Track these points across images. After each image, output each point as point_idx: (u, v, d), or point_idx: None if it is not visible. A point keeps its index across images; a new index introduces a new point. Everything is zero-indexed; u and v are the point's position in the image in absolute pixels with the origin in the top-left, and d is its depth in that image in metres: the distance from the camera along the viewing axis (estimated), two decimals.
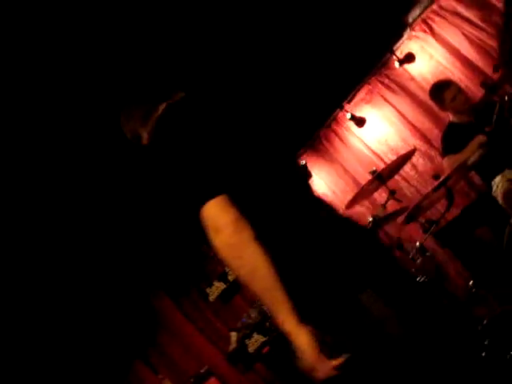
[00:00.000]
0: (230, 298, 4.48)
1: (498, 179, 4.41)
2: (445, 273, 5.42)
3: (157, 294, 5.91)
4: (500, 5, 5.42)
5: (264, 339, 4.08)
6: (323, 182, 6.08)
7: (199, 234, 1.80)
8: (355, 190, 5.25)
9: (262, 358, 4.17)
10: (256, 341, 4.09)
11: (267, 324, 4.12)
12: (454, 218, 4.83)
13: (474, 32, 5.52)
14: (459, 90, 4.84)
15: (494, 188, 4.45)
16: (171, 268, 5.76)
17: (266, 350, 4.13)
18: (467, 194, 5.41)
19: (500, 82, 4.28)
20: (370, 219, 4.24)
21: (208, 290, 4.20)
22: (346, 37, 5.36)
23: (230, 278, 4.07)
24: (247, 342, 4.11)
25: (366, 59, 5.68)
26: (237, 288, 4.25)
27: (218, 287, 4.20)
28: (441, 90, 4.87)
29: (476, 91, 5.20)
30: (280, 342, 4.03)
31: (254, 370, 4.73)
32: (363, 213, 5.69)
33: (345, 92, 5.84)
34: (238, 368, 4.87)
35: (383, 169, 4.36)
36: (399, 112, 5.84)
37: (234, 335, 4.32)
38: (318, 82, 5.48)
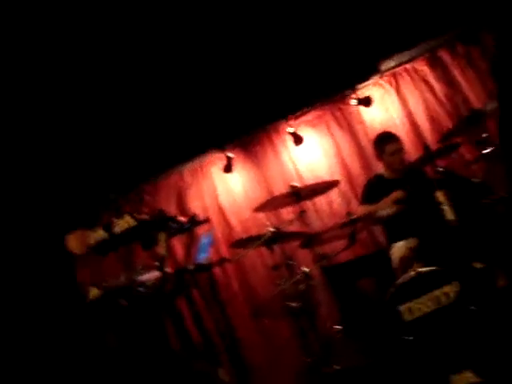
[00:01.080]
0: (106, 253, 4.29)
1: (400, 244, 4.49)
2: (319, 308, 5.47)
3: None
4: (465, 90, 5.62)
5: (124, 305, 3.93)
6: (240, 182, 6.01)
7: None
8: None
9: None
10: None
11: (133, 291, 3.97)
12: (346, 260, 4.91)
13: (434, 103, 5.69)
14: (401, 149, 4.93)
15: (393, 250, 4.53)
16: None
17: None
18: (367, 245, 5.50)
19: (438, 154, 4.39)
20: (271, 229, 4.21)
21: (88, 233, 3.97)
22: (319, 56, 5.40)
23: (116, 230, 3.86)
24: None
25: (328, 85, 5.69)
26: (118, 244, 4.07)
27: (99, 235, 3.98)
28: (386, 140, 4.94)
29: (413, 156, 5.30)
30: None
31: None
32: (265, 223, 5.65)
33: (295, 106, 5.81)
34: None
35: (303, 187, 4.35)
36: (337, 147, 5.89)
37: (94, 291, 4.14)
38: (277, 85, 5.47)
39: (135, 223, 3.77)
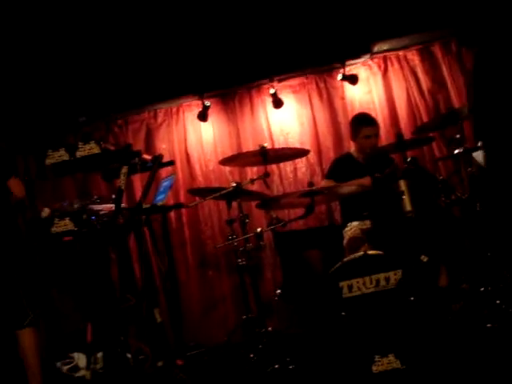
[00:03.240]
0: (63, 174, 4.25)
1: (354, 223, 4.56)
2: (263, 269, 5.57)
3: None
4: (450, 89, 5.66)
5: (73, 228, 3.92)
6: (212, 132, 5.96)
7: None
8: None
9: (62, 242, 4.02)
10: (65, 225, 3.91)
11: (84, 217, 3.96)
12: (295, 229, 5.02)
13: (416, 95, 5.71)
14: (377, 134, 4.97)
15: (347, 229, 4.60)
16: None
17: (67, 238, 3.98)
18: (322, 219, 5.58)
19: (410, 144, 4.44)
20: (233, 184, 4.25)
21: (49, 152, 3.91)
22: (315, 24, 5.36)
23: (79, 153, 3.81)
24: (56, 220, 3.93)
25: (318, 55, 5.66)
26: (78, 168, 4.02)
27: (60, 156, 3.92)
28: (363, 123, 4.97)
29: (384, 142, 5.35)
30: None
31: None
32: (228, 178, 5.67)
33: (282, 69, 5.76)
34: None
35: (272, 149, 4.36)
36: (314, 118, 5.89)
37: (46, 211, 4.12)
38: (268, 44, 5.43)
39: (99, 151, 3.74)
